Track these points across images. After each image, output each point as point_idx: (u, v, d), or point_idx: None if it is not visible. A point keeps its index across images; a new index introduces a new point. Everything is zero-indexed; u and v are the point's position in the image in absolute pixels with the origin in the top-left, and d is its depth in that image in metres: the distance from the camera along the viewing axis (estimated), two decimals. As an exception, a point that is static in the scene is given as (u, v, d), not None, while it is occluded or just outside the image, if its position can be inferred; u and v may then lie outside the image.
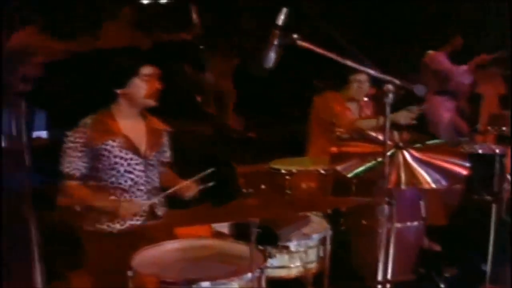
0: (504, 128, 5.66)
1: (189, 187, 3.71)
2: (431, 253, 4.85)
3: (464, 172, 3.45)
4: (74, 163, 3.54)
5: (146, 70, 3.61)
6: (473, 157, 4.54)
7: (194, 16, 2.92)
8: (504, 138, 5.44)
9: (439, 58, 7.62)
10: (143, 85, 3.59)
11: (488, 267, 4.36)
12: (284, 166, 4.76)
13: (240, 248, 3.13)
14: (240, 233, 3.21)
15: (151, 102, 3.65)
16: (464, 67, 7.58)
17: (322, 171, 4.63)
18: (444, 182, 3.39)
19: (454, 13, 8.73)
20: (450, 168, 3.46)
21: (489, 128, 5.82)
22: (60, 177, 3.59)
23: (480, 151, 4.88)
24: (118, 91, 3.61)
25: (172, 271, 2.90)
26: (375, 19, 9.09)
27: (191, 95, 8.51)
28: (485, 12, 8.52)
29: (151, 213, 3.68)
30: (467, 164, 3.50)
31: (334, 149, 3.98)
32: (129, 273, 2.91)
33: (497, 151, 4.72)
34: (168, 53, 3.55)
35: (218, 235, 3.43)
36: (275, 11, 3.06)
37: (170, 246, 3.23)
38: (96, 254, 3.59)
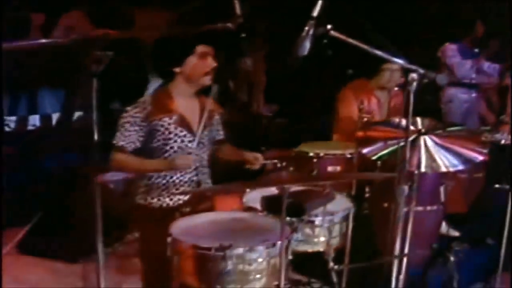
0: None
1: (255, 159, 3.92)
2: (448, 238, 5.01)
3: (481, 157, 3.66)
4: (130, 137, 3.70)
5: (202, 49, 3.78)
6: (495, 147, 4.73)
7: (237, 6, 3.10)
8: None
9: (446, 51, 7.77)
10: (199, 64, 3.78)
11: (502, 254, 4.52)
12: (311, 149, 4.96)
13: (269, 221, 3.39)
14: (269, 208, 3.44)
15: (207, 81, 3.83)
16: (468, 63, 7.70)
17: (348, 155, 4.82)
18: (461, 166, 3.63)
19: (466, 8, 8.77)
20: (467, 153, 3.68)
21: (513, 119, 5.99)
22: (111, 151, 3.76)
23: (502, 141, 5.01)
24: (176, 69, 3.80)
25: (207, 239, 3.13)
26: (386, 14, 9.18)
27: (224, 81, 8.74)
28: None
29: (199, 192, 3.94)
30: (485, 150, 3.71)
31: (360, 134, 4.21)
32: (168, 239, 3.17)
33: (519, 141, 4.88)
34: (207, 39, 3.73)
35: (249, 209, 3.67)
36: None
37: (204, 218, 3.49)
38: (146, 228, 3.83)
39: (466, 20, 8.19)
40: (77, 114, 8.36)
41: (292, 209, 3.13)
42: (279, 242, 3.07)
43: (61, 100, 8.53)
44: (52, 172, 6.68)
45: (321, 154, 4.87)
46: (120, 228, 5.99)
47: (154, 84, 8.34)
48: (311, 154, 4.89)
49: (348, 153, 4.81)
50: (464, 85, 7.79)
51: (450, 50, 7.75)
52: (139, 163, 3.77)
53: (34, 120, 8.64)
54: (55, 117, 8.61)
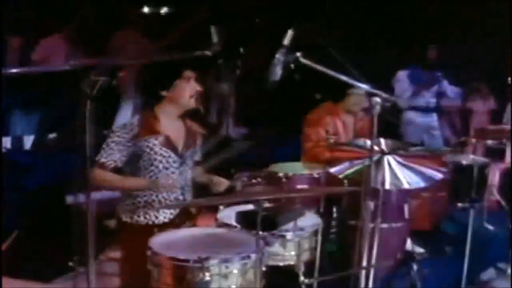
0: (489, 142, 6.11)
1: (220, 183, 4.14)
2: (413, 254, 5.20)
3: (441, 175, 3.91)
4: (113, 155, 3.86)
5: (188, 73, 3.98)
6: (457, 167, 4.96)
7: (214, 35, 3.30)
8: (492, 150, 5.87)
9: (396, 76, 8.09)
10: (186, 87, 3.98)
11: (464, 271, 4.75)
12: (281, 170, 5.16)
13: (244, 235, 3.58)
14: (244, 223, 3.63)
15: (193, 104, 4.03)
16: (409, 91, 7.99)
17: (316, 175, 5.03)
18: (422, 183, 3.88)
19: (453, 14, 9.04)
20: (428, 171, 3.93)
21: (474, 140, 6.26)
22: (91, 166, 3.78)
23: (464, 162, 5.20)
24: (164, 93, 3.99)
25: (185, 252, 3.30)
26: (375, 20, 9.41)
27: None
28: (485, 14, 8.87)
29: (185, 210, 4.08)
30: (445, 169, 3.96)
31: (327, 155, 4.44)
32: (148, 253, 3.34)
33: (478, 162, 5.10)
34: (182, 63, 3.97)
35: (224, 226, 3.85)
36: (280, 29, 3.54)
37: (182, 233, 3.68)
38: (130, 244, 3.96)
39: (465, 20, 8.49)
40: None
41: (265, 223, 3.33)
42: (253, 255, 3.27)
43: (33, 122, 8.63)
44: (28, 192, 6.77)
45: (290, 174, 5.08)
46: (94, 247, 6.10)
47: (126, 107, 8.58)
48: (280, 174, 5.09)
49: (315, 173, 5.03)
50: (423, 108, 8.09)
51: (400, 76, 8.06)
52: (120, 179, 3.95)
53: (5, 143, 8.71)
54: (26, 139, 8.69)
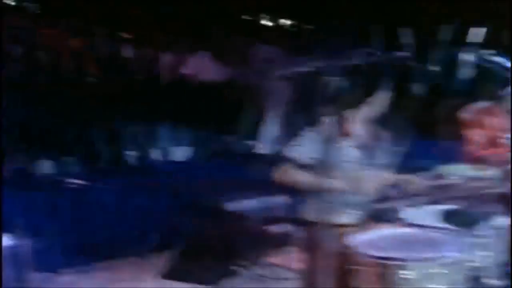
0: None
1: (414, 182, 4.16)
2: None
3: None
4: (305, 154, 3.93)
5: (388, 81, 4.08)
6: None
7: (405, 37, 3.35)
8: None
9: None
10: (388, 95, 4.07)
11: None
12: (447, 173, 5.11)
13: (441, 235, 3.55)
14: (452, 222, 3.66)
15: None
16: None
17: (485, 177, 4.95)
18: None
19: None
20: None
21: None
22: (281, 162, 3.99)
23: None
24: (368, 99, 4.08)
25: (387, 251, 3.33)
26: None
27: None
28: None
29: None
30: None
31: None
32: (349, 251, 3.41)
33: None
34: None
35: (409, 225, 3.83)
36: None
37: (380, 233, 3.71)
38: (317, 244, 3.92)
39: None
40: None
41: (469, 222, 3.34)
42: (457, 254, 3.28)
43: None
44: (192, 200, 6.99)
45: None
46: (254, 252, 6.29)
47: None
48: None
49: (484, 174, 4.94)
50: None
51: None
52: (313, 178, 3.95)
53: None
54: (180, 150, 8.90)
